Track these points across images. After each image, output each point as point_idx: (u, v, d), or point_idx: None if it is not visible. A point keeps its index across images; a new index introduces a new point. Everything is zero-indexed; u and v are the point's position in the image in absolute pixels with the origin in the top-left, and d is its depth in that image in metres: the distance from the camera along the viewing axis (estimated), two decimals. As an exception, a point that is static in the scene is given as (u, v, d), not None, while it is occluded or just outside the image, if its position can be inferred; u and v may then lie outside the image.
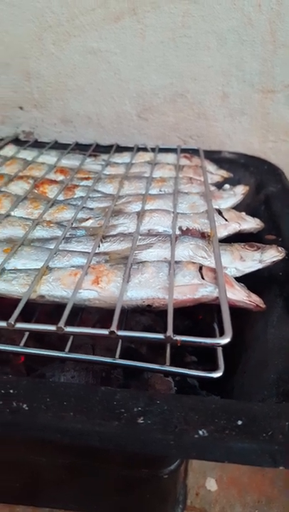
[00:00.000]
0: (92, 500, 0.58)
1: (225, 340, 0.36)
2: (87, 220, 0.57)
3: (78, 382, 0.53)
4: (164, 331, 0.38)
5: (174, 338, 0.37)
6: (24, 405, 0.36)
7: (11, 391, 0.37)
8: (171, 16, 0.77)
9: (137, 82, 0.82)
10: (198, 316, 0.62)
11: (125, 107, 0.84)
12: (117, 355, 0.43)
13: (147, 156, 0.75)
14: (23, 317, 0.41)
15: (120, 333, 0.38)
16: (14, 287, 0.44)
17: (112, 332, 0.37)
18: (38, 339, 0.62)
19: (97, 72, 0.82)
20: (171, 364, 0.42)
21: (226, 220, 0.57)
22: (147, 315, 0.66)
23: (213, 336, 0.42)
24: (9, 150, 0.76)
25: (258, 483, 0.65)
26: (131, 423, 0.34)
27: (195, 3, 0.75)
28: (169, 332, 0.37)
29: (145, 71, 0.81)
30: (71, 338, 0.45)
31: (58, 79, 0.83)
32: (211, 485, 0.65)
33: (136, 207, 0.59)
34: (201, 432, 0.33)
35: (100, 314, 0.61)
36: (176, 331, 0.37)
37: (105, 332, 0.38)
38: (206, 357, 0.56)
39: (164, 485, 0.54)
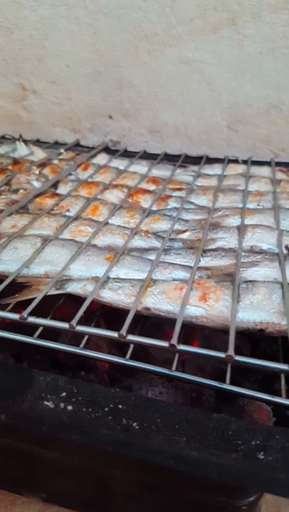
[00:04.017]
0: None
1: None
2: (184, 232, 0.55)
3: (166, 399, 0.51)
4: (250, 353, 0.35)
5: (236, 358, 0.34)
6: (134, 424, 0.34)
7: (120, 406, 0.36)
8: (272, 27, 0.74)
9: (230, 93, 0.80)
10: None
11: (216, 118, 0.82)
12: (174, 368, 0.40)
13: (239, 169, 0.73)
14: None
15: (180, 347, 0.36)
16: (120, 297, 0.43)
17: (172, 345, 0.36)
18: (115, 346, 0.61)
19: (190, 83, 0.81)
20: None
21: None
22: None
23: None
24: (102, 158, 0.77)
25: None
26: (250, 457, 0.32)
27: (299, 13, 0.71)
28: (231, 351, 0.34)
29: (240, 82, 0.79)
30: (131, 346, 0.43)
31: (150, 89, 0.83)
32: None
33: (234, 221, 0.57)
34: None
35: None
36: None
37: (165, 344, 0.36)
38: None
39: (241, 516, 0.50)
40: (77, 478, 0.57)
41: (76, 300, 0.49)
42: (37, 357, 0.60)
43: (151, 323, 0.59)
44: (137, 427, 0.34)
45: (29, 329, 0.43)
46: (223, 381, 0.39)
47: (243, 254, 0.49)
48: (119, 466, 0.46)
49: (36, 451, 0.52)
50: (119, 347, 0.61)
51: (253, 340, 0.61)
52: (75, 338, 0.53)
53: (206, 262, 0.49)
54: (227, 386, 0.38)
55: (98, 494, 0.60)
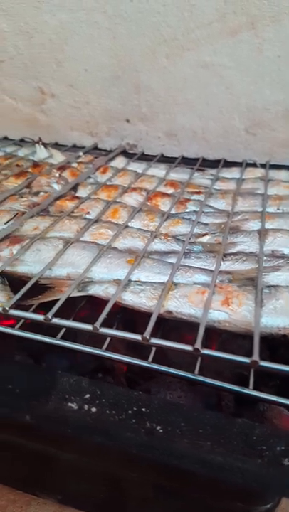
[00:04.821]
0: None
1: None
2: (203, 235, 0.55)
3: (185, 403, 0.51)
4: (269, 358, 0.35)
5: (261, 363, 0.34)
6: (158, 427, 0.34)
7: (143, 409, 0.36)
8: (292, 30, 0.74)
9: (248, 97, 0.80)
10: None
11: (233, 122, 0.82)
12: (196, 372, 0.40)
13: (258, 172, 0.73)
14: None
15: (204, 351, 0.36)
16: (142, 300, 0.43)
17: (196, 350, 0.36)
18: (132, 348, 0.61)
19: (208, 87, 0.81)
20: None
21: None
22: (250, 339, 0.63)
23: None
24: (120, 162, 0.77)
25: None
26: (275, 463, 0.31)
27: None
28: (256, 357, 0.34)
29: (258, 86, 0.79)
30: (154, 349, 0.43)
31: (168, 92, 0.84)
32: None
33: (254, 225, 0.56)
34: None
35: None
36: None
37: (189, 348, 0.36)
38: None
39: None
40: (93, 481, 0.58)
41: (93, 302, 0.49)
42: (54, 358, 0.60)
43: (169, 326, 0.59)
44: (161, 431, 0.34)
45: (44, 330, 0.43)
46: (242, 385, 0.39)
47: (265, 258, 0.49)
48: (136, 469, 0.46)
49: (53, 452, 0.52)
50: (136, 349, 0.62)
51: (271, 345, 0.60)
52: (93, 339, 0.53)
53: (226, 266, 0.49)
54: (252, 392, 0.38)
55: (113, 497, 0.60)
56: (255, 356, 0.35)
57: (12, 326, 0.45)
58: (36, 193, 0.64)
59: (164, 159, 0.80)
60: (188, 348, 0.36)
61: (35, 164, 0.75)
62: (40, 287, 0.46)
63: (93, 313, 0.51)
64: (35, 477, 0.64)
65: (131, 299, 0.44)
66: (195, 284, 0.45)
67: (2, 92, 0.97)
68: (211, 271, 0.47)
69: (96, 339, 0.49)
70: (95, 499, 0.62)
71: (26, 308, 0.44)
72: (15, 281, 0.49)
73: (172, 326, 0.60)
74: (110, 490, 0.59)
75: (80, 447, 0.40)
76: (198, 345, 0.36)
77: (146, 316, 0.44)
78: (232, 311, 0.41)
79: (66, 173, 0.71)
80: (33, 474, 0.63)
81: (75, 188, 0.67)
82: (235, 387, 0.39)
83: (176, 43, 0.80)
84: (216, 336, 0.63)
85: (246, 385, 0.39)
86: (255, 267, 0.47)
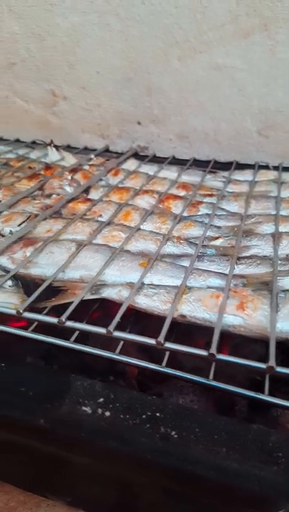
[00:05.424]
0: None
1: None
2: (216, 238, 0.55)
3: (198, 407, 0.51)
4: (282, 363, 0.34)
5: (277, 369, 0.34)
6: (173, 432, 0.34)
7: (158, 414, 0.36)
8: (305, 32, 0.73)
9: (261, 99, 0.79)
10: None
11: (246, 124, 0.82)
12: (211, 377, 0.39)
13: (271, 175, 0.72)
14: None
15: (220, 356, 0.36)
16: (155, 303, 0.43)
17: (211, 355, 0.35)
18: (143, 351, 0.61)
19: (220, 88, 0.81)
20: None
21: None
22: (261, 344, 0.62)
23: None
24: (131, 164, 0.77)
25: None
26: (292, 471, 0.31)
27: None
28: (272, 362, 0.34)
29: (271, 88, 0.78)
30: (167, 353, 0.43)
31: (180, 94, 0.84)
32: None
33: (268, 228, 0.56)
34: None
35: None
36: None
37: (204, 353, 0.36)
38: None
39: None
40: (104, 484, 0.57)
41: (103, 304, 0.49)
42: (65, 360, 0.60)
43: (179, 330, 0.59)
44: (176, 436, 0.34)
45: (55, 332, 0.43)
46: (255, 390, 0.39)
47: (279, 262, 0.48)
48: (150, 474, 0.46)
49: (65, 455, 0.52)
50: (146, 352, 0.61)
51: (285, 349, 0.60)
52: (105, 342, 0.53)
53: (240, 269, 0.48)
54: (268, 398, 0.37)
55: (123, 500, 0.60)
56: (272, 362, 0.34)
57: (22, 328, 0.45)
58: (49, 196, 0.64)
59: (175, 161, 0.80)
60: (204, 353, 0.36)
61: (48, 166, 0.75)
62: (54, 290, 0.46)
63: (104, 315, 0.51)
64: (46, 479, 0.63)
65: (144, 302, 0.43)
66: (209, 287, 0.45)
67: (14, 94, 0.97)
68: (225, 274, 0.47)
69: (107, 341, 0.48)
70: (105, 502, 0.62)
71: (39, 311, 0.44)
72: (28, 283, 0.49)
73: (183, 329, 0.60)
74: (121, 494, 0.59)
75: (93, 451, 0.40)
76: (213, 350, 0.35)
77: (156, 319, 0.44)
78: (247, 316, 0.41)
79: (78, 176, 0.71)
80: (44, 476, 0.63)
81: (87, 190, 0.67)
82: (251, 393, 0.38)
83: (188, 45, 0.80)
84: (228, 340, 0.62)
85: (259, 390, 0.39)
86: (269, 270, 0.47)
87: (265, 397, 0.37)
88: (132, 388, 0.58)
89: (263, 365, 0.35)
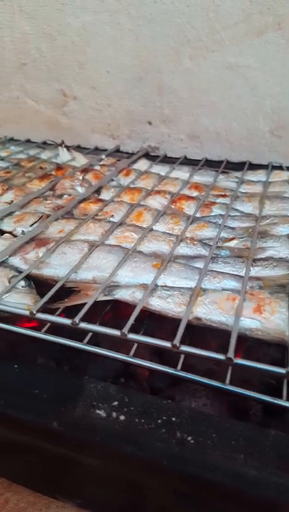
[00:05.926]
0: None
1: None
2: (231, 240, 0.54)
3: (212, 411, 0.50)
4: None
5: None
6: (189, 438, 0.33)
7: (173, 419, 0.35)
8: None
9: (273, 99, 0.78)
10: None
11: (258, 124, 0.81)
12: (227, 381, 0.38)
13: (284, 175, 0.71)
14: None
15: (237, 361, 0.35)
16: (169, 305, 0.42)
17: (229, 359, 0.34)
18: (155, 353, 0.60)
19: (232, 88, 0.80)
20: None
21: None
22: (275, 347, 0.61)
23: None
24: (142, 164, 0.76)
25: None
26: (313, 479, 0.30)
27: None
28: None
29: (284, 87, 0.77)
30: (182, 356, 0.42)
31: (191, 94, 0.83)
32: None
33: (283, 229, 0.55)
34: None
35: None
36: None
37: (222, 357, 0.35)
38: None
39: None
40: (115, 487, 0.57)
41: (115, 306, 0.49)
42: (76, 361, 0.60)
43: (191, 332, 0.58)
44: (192, 441, 0.33)
45: (67, 333, 0.43)
46: (270, 394, 0.38)
47: (296, 264, 0.47)
48: (166, 479, 0.45)
49: (77, 457, 0.52)
50: (159, 354, 0.61)
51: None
52: (115, 344, 0.53)
53: (256, 271, 0.47)
54: (287, 403, 0.36)
55: (134, 504, 0.59)
56: (230, 354, 0.34)
57: (34, 328, 0.44)
58: (60, 196, 0.64)
59: (186, 161, 0.79)
60: (221, 357, 0.35)
61: (59, 167, 0.75)
62: (67, 291, 0.46)
63: (115, 316, 0.50)
64: (56, 480, 0.63)
65: (158, 304, 0.43)
66: (224, 289, 0.44)
67: (24, 94, 0.97)
68: (240, 276, 0.46)
69: (117, 343, 0.48)
70: (115, 505, 0.61)
71: (51, 312, 0.43)
72: (40, 284, 0.49)
73: (195, 332, 0.59)
74: (132, 497, 0.58)
75: (107, 455, 0.40)
76: (231, 354, 0.34)
77: (167, 320, 0.44)
78: (265, 319, 0.40)
79: (89, 176, 0.71)
80: (54, 478, 0.62)
81: (98, 190, 0.67)
82: (270, 399, 0.37)
83: (200, 44, 0.79)
84: (241, 343, 0.61)
85: (274, 394, 0.38)
86: (286, 273, 0.46)
87: (283, 402, 0.36)
88: (143, 390, 0.58)
89: (282, 370, 0.34)
